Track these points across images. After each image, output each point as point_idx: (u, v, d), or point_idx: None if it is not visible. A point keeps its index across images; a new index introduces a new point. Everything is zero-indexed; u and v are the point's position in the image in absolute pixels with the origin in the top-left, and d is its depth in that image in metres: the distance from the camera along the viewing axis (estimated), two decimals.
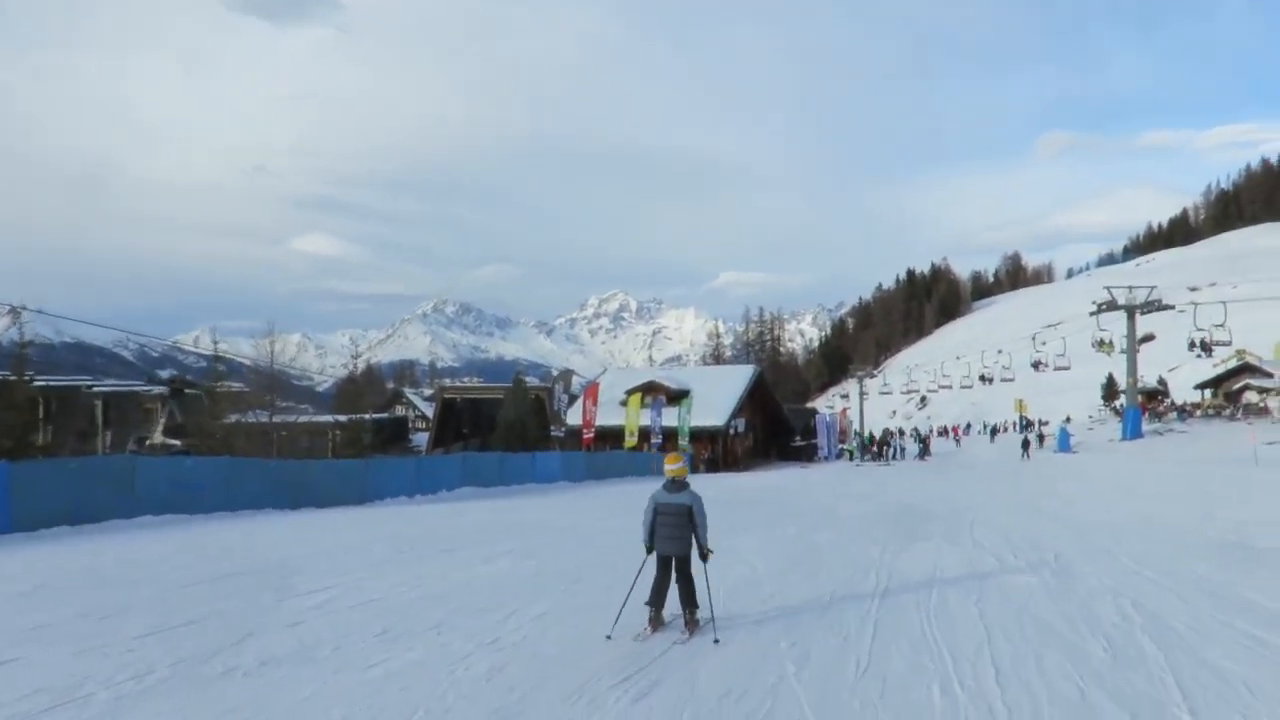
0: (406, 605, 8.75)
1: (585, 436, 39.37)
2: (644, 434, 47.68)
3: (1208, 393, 71.18)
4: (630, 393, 50.50)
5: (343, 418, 39.52)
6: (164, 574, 10.63)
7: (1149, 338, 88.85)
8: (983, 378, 63.80)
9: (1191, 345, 51.57)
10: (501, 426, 36.05)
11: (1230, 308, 69.89)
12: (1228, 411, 62.04)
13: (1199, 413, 64.07)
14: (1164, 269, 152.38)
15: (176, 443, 35.29)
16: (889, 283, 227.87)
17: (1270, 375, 61.92)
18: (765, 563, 11.07)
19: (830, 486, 29.70)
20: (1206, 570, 9.59)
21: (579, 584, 10.05)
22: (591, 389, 42.04)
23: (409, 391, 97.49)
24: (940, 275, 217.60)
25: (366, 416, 39.61)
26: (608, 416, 50.44)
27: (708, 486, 33.83)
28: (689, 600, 7.64)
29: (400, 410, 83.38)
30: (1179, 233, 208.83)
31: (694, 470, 48.20)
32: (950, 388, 72.20)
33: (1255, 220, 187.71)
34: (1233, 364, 68.06)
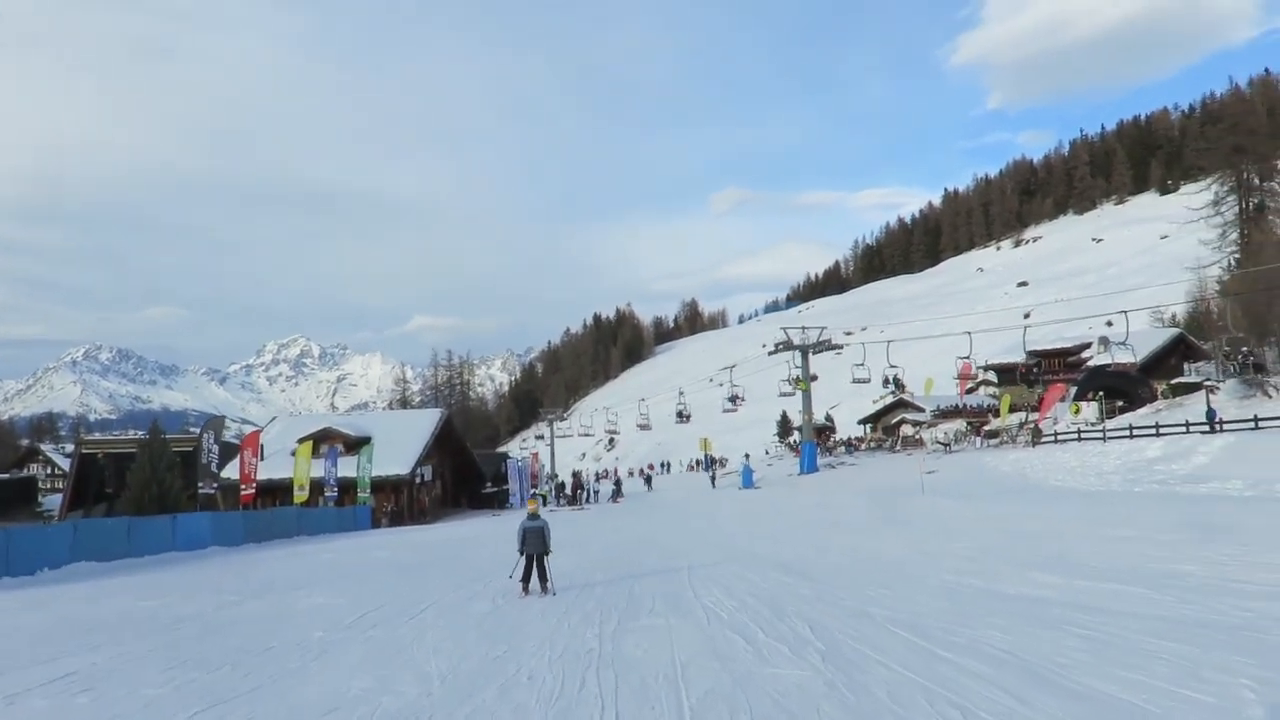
0: None
1: (244, 493, 34.08)
2: (316, 487, 42.72)
3: (868, 427, 76.92)
4: (302, 441, 45.29)
5: None
6: None
7: (814, 378, 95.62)
8: (680, 414, 64.76)
9: (870, 381, 54.94)
10: (135, 486, 30.12)
11: (880, 348, 76.72)
12: (887, 444, 66.91)
13: (863, 446, 68.63)
14: (822, 315, 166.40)
15: None
16: (577, 327, 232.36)
17: (922, 410, 67.64)
18: (439, 670, 8.08)
19: None
20: (997, 637, 7.84)
21: None
22: (250, 439, 36.72)
23: (48, 448, 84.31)
24: (625, 320, 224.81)
25: None
26: (278, 469, 44.92)
27: (383, 542, 30.20)
28: (544, 577, 12.89)
29: (35, 469, 72.04)
30: (833, 282, 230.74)
31: (375, 524, 43.96)
32: (648, 428, 72.67)
33: (895, 272, 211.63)
34: (889, 400, 74.04)
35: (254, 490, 35.59)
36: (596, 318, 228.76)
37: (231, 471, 42.82)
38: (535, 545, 12.82)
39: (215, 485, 32.06)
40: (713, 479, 61.14)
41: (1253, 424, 35.03)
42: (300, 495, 39.63)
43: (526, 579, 12.81)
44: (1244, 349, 40.13)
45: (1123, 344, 50.51)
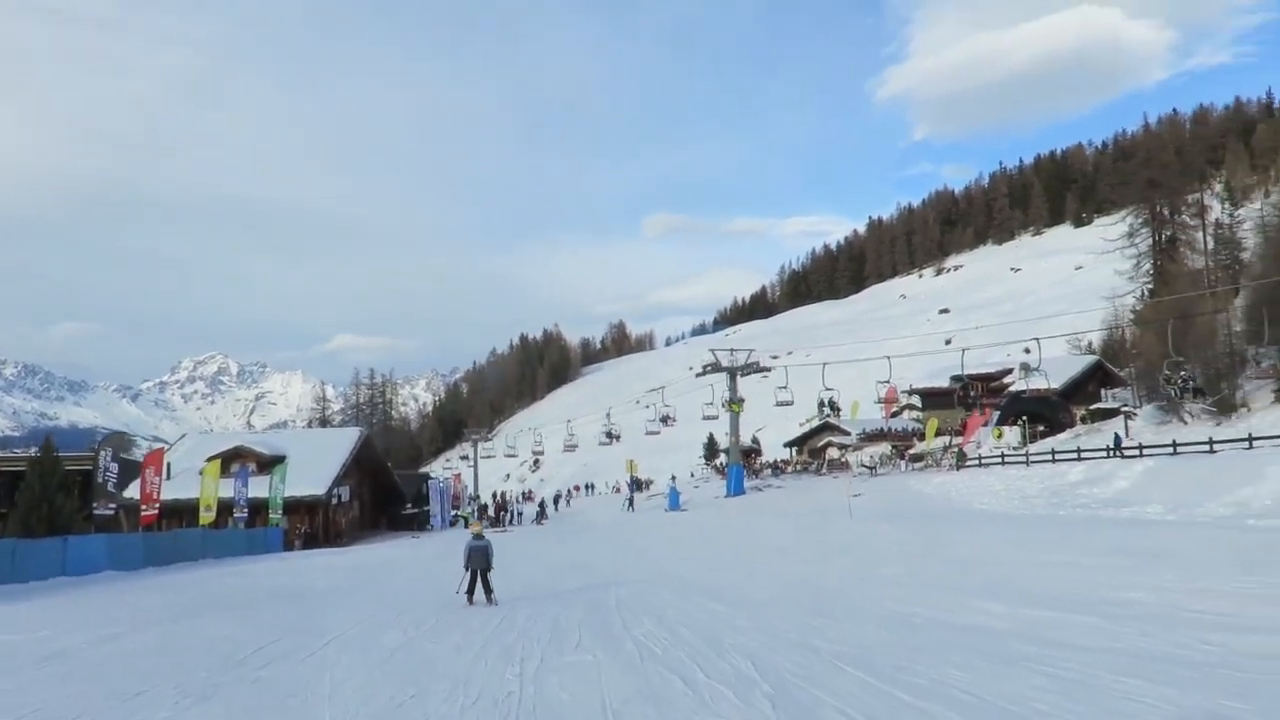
0: None
1: (145, 514, 32.11)
2: (225, 507, 40.69)
3: (794, 450, 76.96)
4: (210, 460, 43.20)
5: None
6: None
7: (741, 400, 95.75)
8: (609, 434, 64.00)
9: (793, 404, 54.90)
10: (23, 506, 28.02)
11: (804, 371, 77.16)
12: (813, 466, 66.95)
13: (790, 469, 68.57)
14: (749, 339, 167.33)
15: None
16: (503, 347, 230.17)
17: (848, 433, 67.86)
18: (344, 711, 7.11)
19: (443, 561, 25.88)
20: (958, 676, 7.16)
21: None
22: (153, 456, 34.72)
23: None
24: (552, 341, 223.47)
25: None
26: (186, 489, 42.72)
27: (294, 567, 28.64)
28: (488, 589, 14.27)
29: None
30: (760, 307, 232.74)
31: (289, 547, 42.05)
32: (576, 447, 71.71)
33: (820, 298, 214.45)
34: (816, 423, 74.24)
35: (157, 511, 33.56)
36: (523, 338, 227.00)
37: (132, 491, 40.62)
38: (479, 562, 14.27)
39: (113, 506, 30.11)
40: (630, 502, 59.94)
41: (1170, 449, 35.60)
42: (206, 516, 37.62)
43: (471, 590, 14.30)
44: (1183, 373, 41.03)
45: (1037, 369, 51.45)
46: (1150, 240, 69.70)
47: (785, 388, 52.92)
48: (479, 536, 14.81)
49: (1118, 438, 40.95)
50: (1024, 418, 53.40)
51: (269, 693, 7.82)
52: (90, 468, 33.01)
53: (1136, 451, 37.23)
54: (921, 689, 6.66)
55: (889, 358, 50.62)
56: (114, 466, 30.70)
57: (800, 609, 11.58)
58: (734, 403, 56.52)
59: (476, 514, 60.21)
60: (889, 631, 9.44)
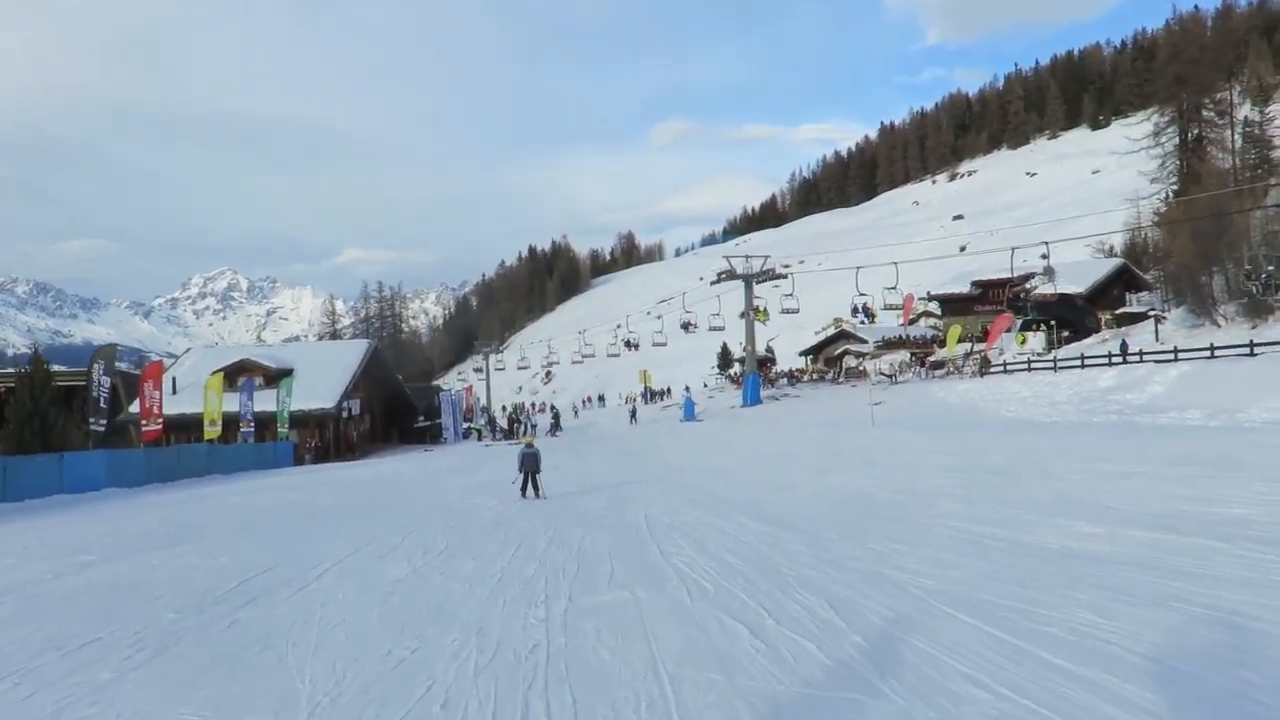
0: None
1: (147, 430, 31.00)
2: (232, 422, 39.70)
3: (809, 359, 75.60)
4: (215, 374, 42.07)
5: None
6: None
7: (765, 309, 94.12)
8: (628, 343, 62.95)
9: (854, 311, 53.63)
10: (14, 422, 26.87)
11: (812, 280, 75.20)
12: (830, 375, 65.63)
13: (805, 378, 67.28)
14: (759, 248, 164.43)
15: None
16: (512, 260, 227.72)
17: (865, 341, 66.35)
18: (313, 691, 5.70)
19: (455, 477, 24.75)
20: (1097, 622, 5.58)
21: None
22: (152, 369, 33.44)
23: None
24: (561, 253, 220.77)
25: None
26: (192, 404, 41.74)
27: (301, 482, 27.57)
28: (537, 487, 16.43)
29: None
30: (770, 216, 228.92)
31: (299, 461, 41.18)
32: (593, 357, 70.57)
33: (831, 206, 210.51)
34: (831, 331, 72.66)
35: (160, 426, 32.48)
36: (532, 250, 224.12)
37: (134, 407, 39.58)
38: (531, 465, 16.50)
39: (103, 422, 28.97)
40: (633, 414, 58.88)
41: (1208, 353, 34.15)
42: (211, 431, 36.61)
43: (524, 489, 16.40)
44: (1270, 267, 39.75)
45: (1045, 270, 49.69)
46: (1177, 139, 67.10)
47: (791, 295, 51.35)
48: (530, 445, 17.14)
49: (1124, 345, 39.61)
50: (1051, 322, 51.74)
51: (241, 645, 6.45)
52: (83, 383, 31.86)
53: (1171, 356, 35.81)
54: (1064, 645, 5.16)
55: (895, 264, 48.73)
56: (105, 380, 29.45)
57: (855, 529, 10.21)
58: (759, 311, 54.79)
59: (489, 426, 59.32)
60: (972, 559, 8.02)
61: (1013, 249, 48.69)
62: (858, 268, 49.15)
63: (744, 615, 6.37)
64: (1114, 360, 37.93)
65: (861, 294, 49.82)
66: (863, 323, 59.08)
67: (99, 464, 26.62)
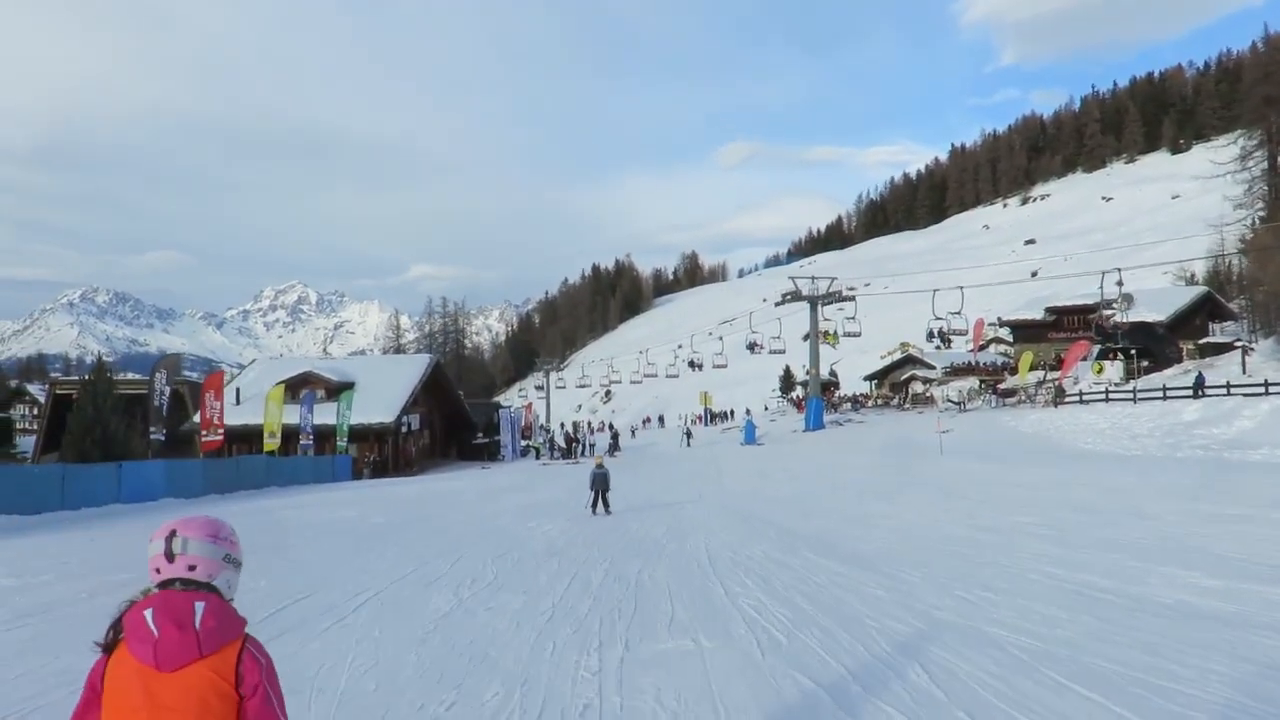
0: None
1: (207, 440, 31.12)
2: (292, 434, 39.84)
3: (874, 384, 74.08)
4: (276, 385, 42.32)
5: None
6: None
7: (835, 332, 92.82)
8: (692, 363, 62.14)
9: (930, 336, 51.75)
10: (76, 430, 27.09)
11: (875, 304, 73.66)
12: (895, 401, 64.12)
13: (870, 403, 65.83)
14: (824, 270, 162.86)
15: None
16: (575, 278, 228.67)
17: (933, 367, 64.74)
18: None
19: (511, 496, 24.21)
20: (1246, 704, 4.93)
21: None
22: (213, 379, 33.62)
23: (35, 389, 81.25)
24: (624, 272, 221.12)
25: None
26: (255, 415, 42.02)
27: (356, 497, 27.28)
28: (607, 504, 17.44)
29: (21, 409, 69.59)
30: (835, 238, 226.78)
31: (357, 475, 41.16)
32: (640, 381, 69.91)
33: (899, 228, 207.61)
34: (898, 356, 71.10)
35: (221, 437, 32.60)
36: (595, 269, 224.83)
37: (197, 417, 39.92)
38: (600, 485, 17.52)
39: (164, 431, 29.11)
40: (687, 436, 56.97)
41: None
42: (270, 443, 36.70)
43: (594, 506, 17.41)
44: None
45: (1118, 298, 47.66)
46: (1265, 163, 64.57)
47: (854, 318, 50.12)
48: (600, 466, 18.18)
49: (1200, 378, 37.71)
50: (1131, 351, 49.76)
51: None
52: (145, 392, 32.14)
53: (1262, 389, 33.96)
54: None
55: (961, 288, 47.12)
56: (167, 390, 29.62)
57: (938, 572, 9.36)
58: (828, 334, 53.58)
59: (547, 445, 58.97)
60: (1076, 613, 7.14)
61: (1103, 273, 46.83)
62: (934, 290, 47.63)
63: (823, 676, 5.56)
64: (1198, 393, 36.16)
65: (938, 317, 48.28)
66: (938, 347, 57.41)
67: (157, 474, 26.67)
